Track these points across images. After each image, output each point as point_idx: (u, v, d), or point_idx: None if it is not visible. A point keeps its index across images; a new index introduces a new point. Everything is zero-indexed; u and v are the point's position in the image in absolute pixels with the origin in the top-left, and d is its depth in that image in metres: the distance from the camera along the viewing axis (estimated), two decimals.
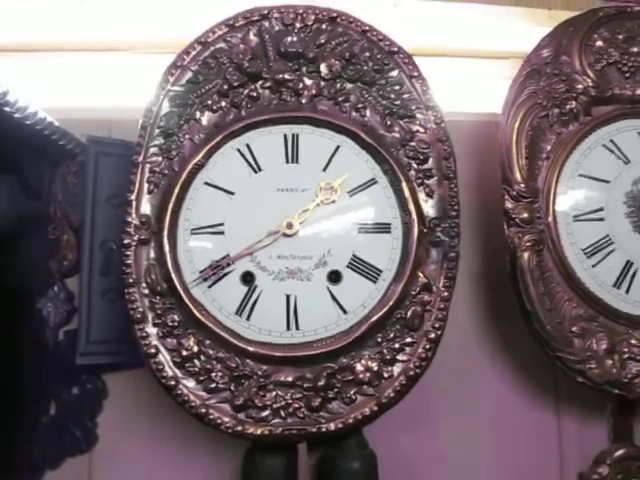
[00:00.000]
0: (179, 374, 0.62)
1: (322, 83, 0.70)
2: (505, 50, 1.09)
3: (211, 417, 0.61)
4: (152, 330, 0.63)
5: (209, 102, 0.69)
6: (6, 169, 0.77)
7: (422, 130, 0.69)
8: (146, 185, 0.66)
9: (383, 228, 0.66)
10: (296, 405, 0.62)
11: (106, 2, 0.97)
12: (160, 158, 0.67)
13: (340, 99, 0.69)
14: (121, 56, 0.99)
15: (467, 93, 1.02)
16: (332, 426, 0.62)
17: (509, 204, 0.74)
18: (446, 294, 0.65)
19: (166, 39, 0.92)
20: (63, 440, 0.77)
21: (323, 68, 0.69)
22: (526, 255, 0.73)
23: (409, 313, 0.64)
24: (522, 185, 0.74)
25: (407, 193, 0.66)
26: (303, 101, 0.69)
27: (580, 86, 0.78)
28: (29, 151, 0.78)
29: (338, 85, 0.69)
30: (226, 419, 0.61)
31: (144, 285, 0.64)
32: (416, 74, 0.71)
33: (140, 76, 0.89)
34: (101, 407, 0.79)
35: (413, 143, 0.69)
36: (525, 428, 0.84)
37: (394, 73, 0.70)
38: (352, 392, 0.63)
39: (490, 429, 0.83)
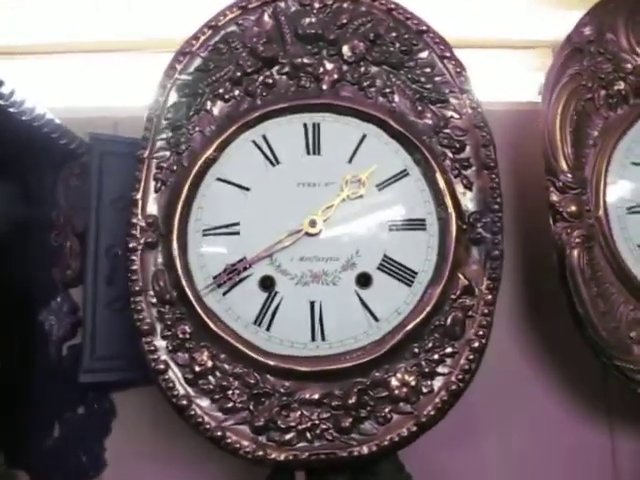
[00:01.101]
0: (192, 392, 0.55)
1: (344, 67, 0.63)
2: (531, 39, 1.03)
3: (228, 441, 0.54)
4: (161, 343, 0.56)
5: (221, 91, 0.62)
6: (6, 172, 0.72)
7: (457, 116, 0.62)
8: (153, 183, 0.60)
9: (417, 225, 0.59)
10: (324, 426, 0.55)
11: (112, 2, 0.93)
12: (168, 153, 0.61)
13: (365, 84, 0.63)
14: (128, 56, 0.94)
15: (493, 84, 0.95)
16: (365, 449, 0.54)
17: (555, 197, 0.67)
18: (490, 297, 0.58)
19: (175, 38, 0.87)
20: (68, 465, 0.70)
21: (345, 50, 0.63)
22: (576, 252, 0.65)
23: (449, 320, 0.57)
24: (569, 175, 0.67)
25: (442, 185, 0.59)
26: (324, 87, 0.62)
27: (629, 65, 0.71)
28: (30, 153, 0.72)
29: (362, 69, 0.63)
30: (245, 443, 0.54)
31: (152, 293, 0.57)
32: (448, 55, 0.64)
33: (148, 75, 0.83)
34: (109, 429, 0.72)
35: (447, 130, 0.62)
36: (575, 444, 0.75)
37: (424, 54, 0.63)
38: (387, 410, 0.55)
39: (536, 446, 0.75)
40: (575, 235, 0.65)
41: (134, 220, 0.58)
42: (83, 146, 0.76)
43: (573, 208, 0.66)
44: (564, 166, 0.67)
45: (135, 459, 0.71)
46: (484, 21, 1.00)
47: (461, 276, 0.58)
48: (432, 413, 0.55)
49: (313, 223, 0.58)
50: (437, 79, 0.63)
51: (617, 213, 0.68)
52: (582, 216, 0.66)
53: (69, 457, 0.71)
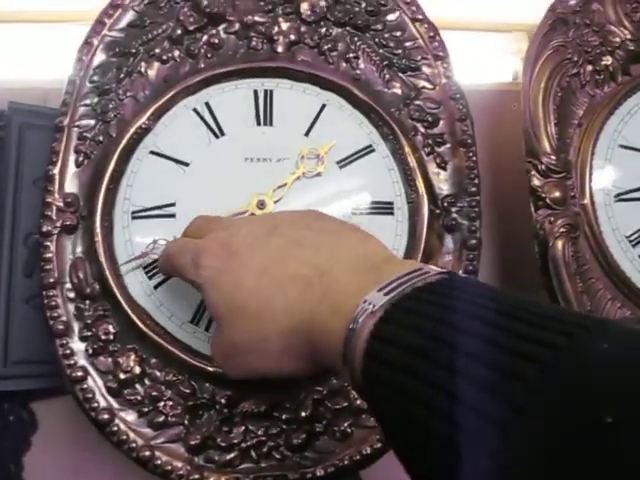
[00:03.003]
0: (115, 405, 0.46)
1: (302, 27, 0.55)
2: (507, 22, 0.96)
3: (158, 462, 0.45)
4: (79, 346, 0.47)
5: (157, 51, 0.53)
6: None
7: (430, 86, 0.55)
8: (73, 155, 0.50)
9: (384, 209, 0.51)
10: (272, 443, 0.46)
11: None
12: (93, 121, 0.51)
13: (325, 47, 0.54)
14: (60, 27, 0.84)
15: (467, 67, 0.89)
16: (320, 470, 0.46)
17: (537, 181, 0.59)
18: None
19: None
20: None
21: (304, 9, 0.55)
22: (560, 244, 0.58)
23: None
24: (552, 157, 0.60)
25: (413, 163, 0.52)
26: (279, 49, 0.54)
27: (617, 39, 0.64)
28: None
29: (323, 30, 0.55)
30: (178, 464, 0.45)
31: (69, 286, 0.48)
32: (420, 17, 0.56)
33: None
34: (28, 444, 0.62)
35: (419, 102, 0.54)
36: None
37: (393, 16, 0.56)
38: (347, 424, 0.47)
39: None
40: (559, 224, 0.58)
41: (49, 199, 0.49)
42: (2, 119, 0.65)
43: (557, 194, 0.59)
44: (547, 147, 0.60)
45: (58, 478, 0.62)
46: (458, 2, 0.93)
47: None
48: None
49: (261, 204, 0.49)
50: (408, 44, 0.55)
51: (604, 201, 0.61)
52: (567, 203, 0.59)
53: None
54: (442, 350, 0.26)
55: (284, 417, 0.47)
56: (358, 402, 0.47)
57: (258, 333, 0.35)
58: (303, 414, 0.47)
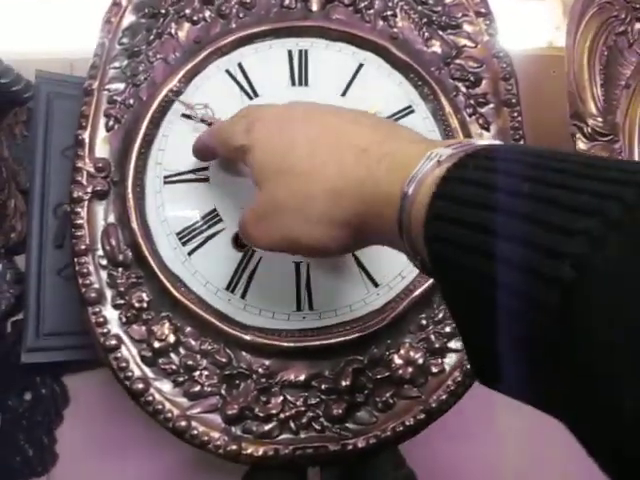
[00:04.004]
0: (150, 374, 0.45)
1: None
2: None
3: (195, 432, 0.44)
4: (112, 314, 0.46)
5: (188, 11, 0.51)
6: None
7: (471, 44, 0.52)
8: (103, 119, 0.49)
9: None
10: (311, 414, 0.45)
11: None
12: (122, 84, 0.50)
13: (362, 5, 0.52)
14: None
15: (503, 34, 0.86)
16: (362, 442, 0.45)
17: (582, 144, 0.57)
18: None
19: None
20: (12, 460, 0.60)
21: None
22: None
23: None
24: (599, 119, 0.57)
25: (455, 124, 0.49)
26: (313, 8, 0.52)
27: None
28: None
29: None
30: (215, 435, 0.44)
31: (101, 253, 0.47)
32: None
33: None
34: (61, 418, 0.62)
35: (460, 61, 0.52)
36: None
37: None
38: (388, 395, 0.45)
39: (557, 441, 0.66)
40: None
41: (80, 164, 0.48)
42: (31, 89, 0.64)
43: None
44: (593, 109, 0.58)
45: (91, 452, 0.61)
46: None
47: None
48: (443, 398, 0.46)
49: None
50: (448, 1, 0.53)
51: None
52: None
53: (13, 451, 0.60)
54: (522, 203, 0.23)
55: (323, 387, 0.45)
56: (400, 372, 0.46)
57: (305, 191, 0.33)
58: (343, 384, 0.45)
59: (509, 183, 0.24)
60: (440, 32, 0.52)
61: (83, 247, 0.46)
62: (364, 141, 0.32)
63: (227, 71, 0.50)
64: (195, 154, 0.46)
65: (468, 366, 0.46)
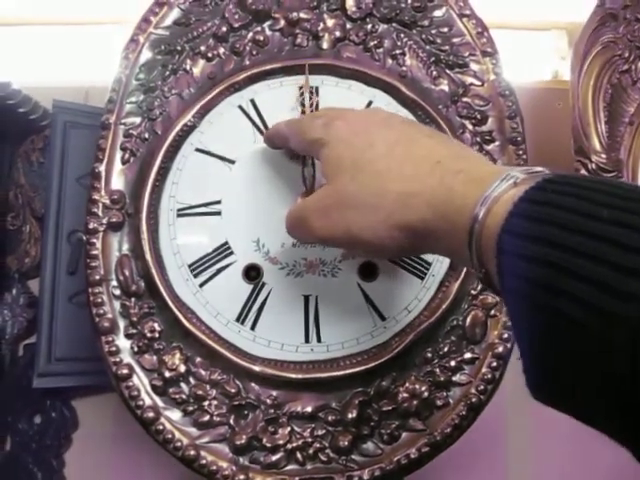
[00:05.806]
0: (160, 403, 0.46)
1: (348, 24, 0.54)
2: (546, 21, 0.95)
3: (203, 462, 0.45)
4: (124, 343, 0.47)
5: (203, 48, 0.53)
6: None
7: (478, 82, 0.53)
8: (119, 153, 0.50)
9: None
10: (318, 445, 0.46)
11: None
12: (138, 119, 0.51)
13: (371, 44, 0.54)
14: (104, 28, 0.85)
15: (508, 66, 0.87)
16: (367, 474, 0.45)
17: None
18: None
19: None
20: None
21: (349, 5, 0.54)
22: None
23: (468, 320, 0.48)
24: (602, 156, 0.58)
25: None
26: (324, 46, 0.53)
27: None
28: None
29: (369, 26, 0.54)
30: (224, 465, 0.45)
31: (115, 283, 0.48)
32: (468, 13, 0.55)
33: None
34: (69, 441, 0.62)
35: (467, 99, 0.53)
36: (619, 462, 0.65)
37: (440, 12, 0.55)
38: (394, 427, 0.46)
39: (575, 465, 0.66)
40: None
41: (96, 196, 0.49)
42: (48, 117, 0.66)
43: None
44: (597, 146, 0.59)
45: (99, 476, 0.62)
46: (496, 1, 0.92)
47: None
48: (447, 431, 0.46)
49: None
50: (455, 40, 0.54)
51: None
52: None
53: (22, 474, 0.61)
54: (602, 227, 0.24)
55: (330, 419, 0.46)
56: (405, 404, 0.47)
57: (378, 188, 0.34)
58: (349, 416, 0.46)
59: (588, 209, 0.25)
60: (448, 71, 0.54)
61: (97, 277, 0.48)
62: (438, 154, 0.34)
63: (240, 107, 0.52)
64: (266, 140, 0.49)
65: (472, 400, 0.47)
